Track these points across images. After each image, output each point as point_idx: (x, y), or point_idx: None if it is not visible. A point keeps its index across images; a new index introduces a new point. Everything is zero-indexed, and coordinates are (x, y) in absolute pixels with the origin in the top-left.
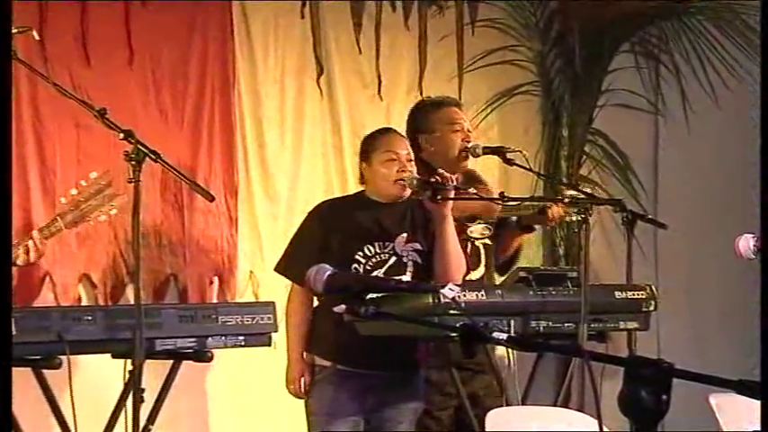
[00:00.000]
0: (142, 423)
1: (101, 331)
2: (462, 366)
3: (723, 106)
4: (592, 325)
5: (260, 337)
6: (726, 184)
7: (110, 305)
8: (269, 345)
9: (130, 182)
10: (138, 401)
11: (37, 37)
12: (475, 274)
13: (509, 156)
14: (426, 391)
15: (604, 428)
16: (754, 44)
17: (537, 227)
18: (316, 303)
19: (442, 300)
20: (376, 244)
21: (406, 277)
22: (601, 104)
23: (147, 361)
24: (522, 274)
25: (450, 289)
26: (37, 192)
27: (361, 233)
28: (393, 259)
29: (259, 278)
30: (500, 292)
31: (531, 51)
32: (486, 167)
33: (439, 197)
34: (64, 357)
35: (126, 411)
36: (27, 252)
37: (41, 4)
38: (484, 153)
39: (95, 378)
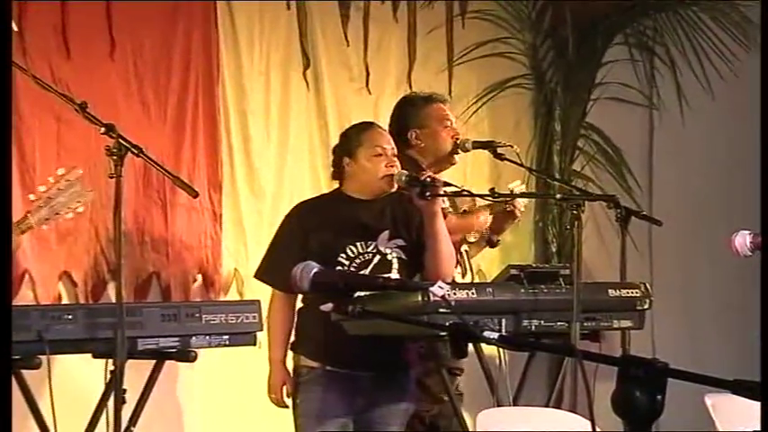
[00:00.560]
0: (124, 424)
1: (81, 330)
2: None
3: (720, 99)
4: (585, 324)
5: (245, 337)
6: (722, 179)
7: (91, 304)
8: (254, 344)
9: (112, 177)
10: (119, 402)
11: (15, 28)
12: (465, 280)
13: (500, 150)
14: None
15: (597, 430)
16: (751, 36)
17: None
18: (300, 304)
19: (432, 298)
20: (359, 244)
21: (393, 275)
22: (594, 98)
23: (129, 361)
24: (514, 271)
25: (439, 287)
26: (16, 187)
27: (343, 233)
28: (377, 258)
29: (244, 276)
30: (491, 290)
31: (522, 43)
32: (476, 162)
33: (428, 194)
34: (44, 357)
35: (107, 412)
36: None
37: None
38: (474, 148)
39: (76, 378)
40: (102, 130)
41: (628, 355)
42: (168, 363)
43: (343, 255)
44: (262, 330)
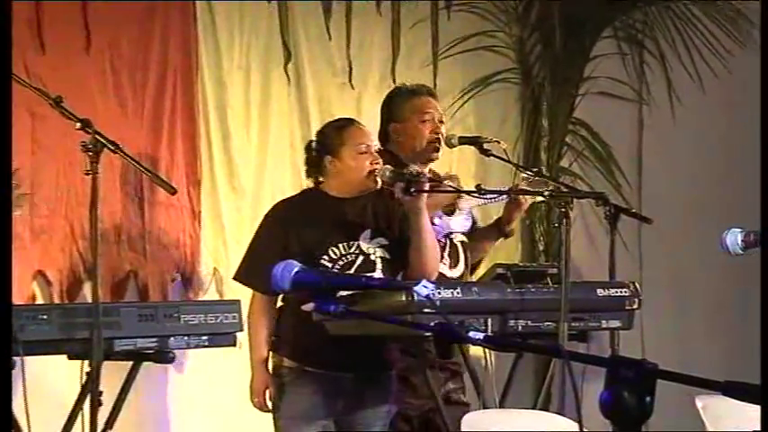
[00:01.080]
0: (100, 427)
1: (56, 331)
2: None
3: (711, 94)
4: (573, 324)
5: (224, 337)
6: (714, 176)
7: (66, 303)
8: (234, 345)
9: (88, 174)
10: (95, 405)
11: None
12: (455, 272)
13: (486, 146)
14: (400, 393)
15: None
16: (744, 30)
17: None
18: (280, 303)
19: (416, 297)
20: (341, 245)
21: (377, 275)
22: (582, 92)
23: (106, 362)
24: (500, 270)
25: (423, 286)
26: None
27: (325, 234)
28: (361, 259)
29: (223, 275)
30: (476, 289)
31: (509, 37)
32: (462, 158)
33: (413, 189)
34: (17, 358)
35: (83, 415)
36: None
37: None
38: (460, 143)
39: (51, 380)
40: (78, 125)
41: (616, 355)
42: (146, 364)
43: (326, 257)
44: (242, 331)
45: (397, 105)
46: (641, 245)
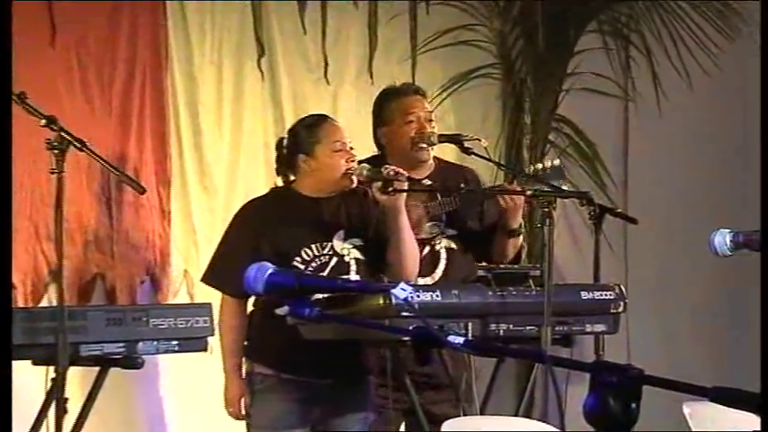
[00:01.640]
0: None
1: (20, 335)
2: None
3: (699, 91)
4: (556, 328)
5: (195, 342)
6: (702, 175)
7: (30, 307)
8: (205, 350)
9: (53, 172)
10: (60, 412)
11: None
12: (427, 281)
13: (467, 144)
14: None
15: None
16: (733, 24)
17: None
18: (251, 307)
19: (394, 301)
20: (314, 246)
21: (351, 277)
22: (566, 89)
23: (72, 368)
24: (481, 272)
25: (402, 289)
26: None
27: (298, 234)
28: (334, 260)
29: (194, 277)
30: (456, 292)
31: (490, 31)
32: (442, 156)
33: (391, 189)
34: None
35: (48, 423)
36: None
37: None
38: (439, 142)
39: (14, 387)
40: (43, 122)
41: (601, 360)
42: (113, 370)
43: (299, 258)
44: (213, 335)
45: (384, 108)
46: (627, 246)
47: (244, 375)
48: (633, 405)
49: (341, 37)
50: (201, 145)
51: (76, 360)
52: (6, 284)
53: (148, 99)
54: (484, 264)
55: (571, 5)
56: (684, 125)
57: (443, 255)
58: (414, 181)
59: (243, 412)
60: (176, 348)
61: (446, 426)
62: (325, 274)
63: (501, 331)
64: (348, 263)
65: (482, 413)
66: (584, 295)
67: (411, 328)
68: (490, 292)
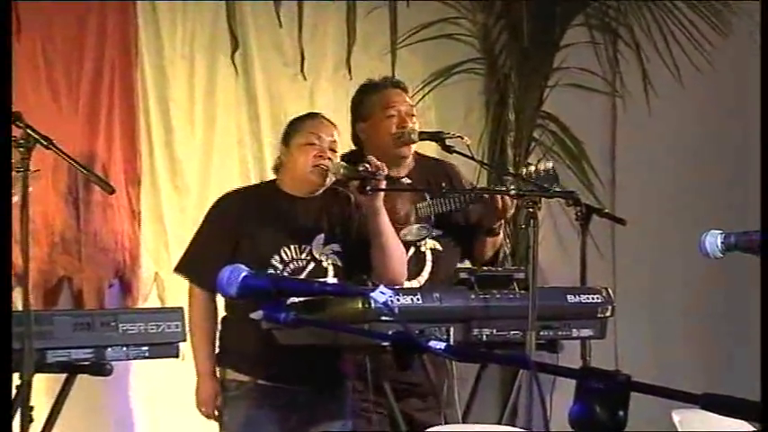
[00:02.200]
0: None
1: None
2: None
3: (690, 87)
4: (541, 332)
5: (166, 348)
6: (692, 174)
7: None
8: (176, 356)
9: (18, 171)
10: (26, 421)
11: None
12: (414, 283)
13: (448, 142)
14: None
15: None
16: (725, 19)
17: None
18: (224, 312)
19: (373, 304)
20: (293, 247)
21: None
22: (552, 84)
23: (38, 375)
24: (463, 275)
25: (381, 292)
26: None
27: (277, 233)
28: (312, 265)
29: (165, 280)
30: (438, 295)
31: (473, 24)
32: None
33: (369, 188)
34: None
35: None
36: None
37: None
38: (420, 139)
39: None
40: None
41: (588, 366)
42: (81, 377)
43: (277, 257)
44: (185, 341)
45: (363, 102)
46: (615, 248)
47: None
48: (621, 412)
49: (318, 30)
50: (173, 143)
51: (42, 367)
52: (6, 285)
53: (117, 95)
54: (465, 266)
55: None
56: (675, 123)
57: (429, 256)
58: (393, 179)
59: (216, 412)
60: (146, 354)
61: None
62: (302, 277)
63: (484, 336)
64: (326, 268)
65: (464, 421)
66: (571, 299)
67: (391, 332)
68: (473, 296)
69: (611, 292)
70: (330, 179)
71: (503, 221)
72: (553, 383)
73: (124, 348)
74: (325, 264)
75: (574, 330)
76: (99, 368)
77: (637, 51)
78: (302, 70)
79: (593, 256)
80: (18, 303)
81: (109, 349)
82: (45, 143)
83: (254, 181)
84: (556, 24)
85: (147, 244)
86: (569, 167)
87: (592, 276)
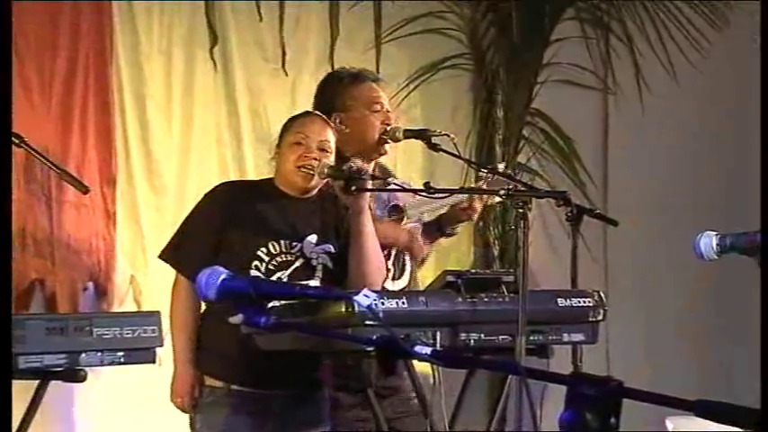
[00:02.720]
0: None
1: None
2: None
3: (683, 83)
4: (531, 337)
5: (142, 353)
6: (686, 174)
7: None
8: (153, 362)
9: None
10: None
11: None
12: (398, 284)
13: (435, 140)
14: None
15: None
16: (721, 13)
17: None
18: (203, 310)
19: (356, 308)
20: (282, 242)
21: (315, 283)
22: (542, 80)
23: None
24: (450, 278)
25: (365, 296)
26: None
27: (266, 226)
28: (300, 262)
29: (141, 283)
30: (424, 299)
31: (460, 18)
32: (407, 153)
33: (354, 188)
34: None
35: None
36: None
37: None
38: (405, 137)
39: None
40: None
41: (579, 372)
42: (54, 383)
43: (264, 249)
44: (162, 346)
45: (339, 93)
46: (607, 250)
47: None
48: (613, 420)
49: (300, 25)
50: (149, 141)
51: (14, 373)
52: (6, 286)
53: (92, 91)
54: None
55: None
56: (669, 120)
57: (408, 257)
58: (378, 179)
59: (190, 405)
60: (122, 360)
61: None
62: (287, 272)
63: (472, 341)
64: (314, 267)
65: (451, 429)
66: (561, 302)
67: (375, 337)
68: (460, 299)
69: (603, 295)
70: (317, 180)
71: (460, 224)
72: (543, 390)
73: (99, 354)
74: (314, 263)
75: (564, 335)
76: (73, 374)
77: (629, 46)
78: (283, 66)
79: (584, 259)
80: None
81: (83, 355)
82: (17, 141)
83: (233, 178)
84: (546, 19)
85: (123, 246)
86: (560, 166)
87: (583, 279)
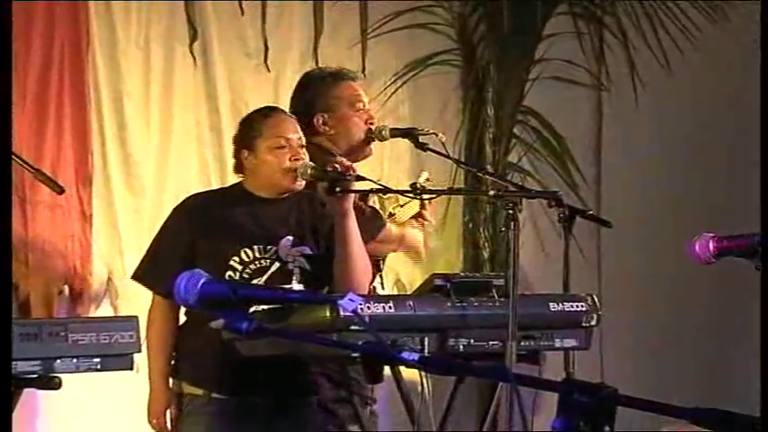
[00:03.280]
0: None
1: None
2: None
3: (680, 80)
4: (522, 343)
5: (119, 360)
6: (683, 174)
7: None
8: (131, 368)
9: None
10: None
11: None
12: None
13: (422, 139)
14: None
15: None
16: (718, 6)
17: None
18: (183, 318)
19: (341, 313)
20: (255, 247)
21: (297, 287)
22: (533, 77)
23: None
24: (439, 281)
25: (350, 300)
26: None
27: (238, 234)
28: (276, 266)
29: (119, 287)
30: (411, 303)
31: (449, 13)
32: (394, 153)
33: (338, 189)
34: None
35: None
36: None
37: None
38: (392, 136)
39: None
40: None
41: (571, 379)
42: (27, 390)
43: (236, 258)
44: (140, 352)
45: (321, 93)
46: (600, 252)
47: (171, 396)
48: (606, 428)
49: (283, 19)
50: (127, 140)
51: None
52: (6, 287)
53: (67, 88)
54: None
55: None
56: (664, 118)
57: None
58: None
59: (168, 425)
60: (98, 367)
61: None
62: (263, 279)
63: (461, 346)
64: (291, 271)
65: None
66: (553, 307)
67: (361, 343)
68: (449, 304)
69: (596, 299)
70: (301, 181)
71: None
72: (534, 398)
73: (74, 360)
74: (290, 266)
75: (557, 340)
76: (47, 381)
77: (624, 42)
78: (266, 61)
79: (577, 262)
80: None
81: (58, 361)
82: None
83: (214, 179)
84: (537, 13)
85: (100, 248)
86: (552, 165)
87: (576, 283)
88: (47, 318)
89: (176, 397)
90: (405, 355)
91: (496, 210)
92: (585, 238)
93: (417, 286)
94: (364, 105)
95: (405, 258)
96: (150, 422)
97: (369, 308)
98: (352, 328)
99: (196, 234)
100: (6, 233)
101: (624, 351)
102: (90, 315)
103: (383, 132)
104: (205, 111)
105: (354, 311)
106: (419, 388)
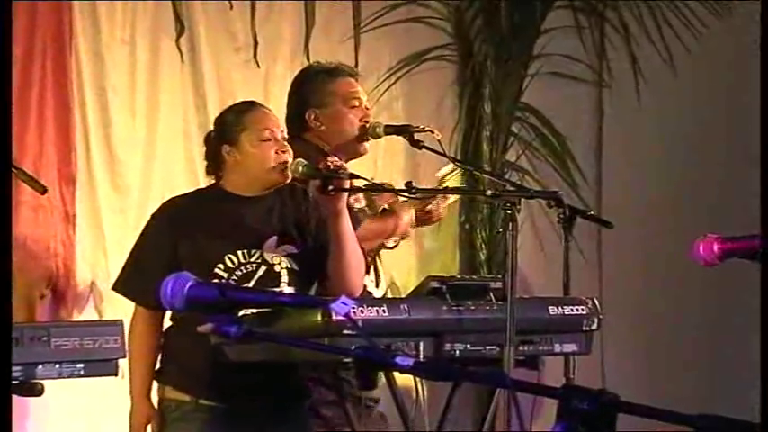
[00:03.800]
0: None
1: None
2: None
3: (682, 75)
4: (520, 348)
5: (103, 365)
6: (685, 173)
7: None
8: (115, 374)
9: None
10: None
11: None
12: (381, 290)
13: (417, 137)
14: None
15: None
16: (723, 1)
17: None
18: (168, 322)
19: (334, 316)
20: (240, 252)
21: (287, 289)
22: (532, 73)
23: None
24: (435, 284)
25: (342, 303)
26: None
27: (222, 239)
28: (263, 269)
29: (103, 290)
30: (406, 306)
31: (445, 6)
32: (389, 151)
33: (331, 188)
34: None
35: None
36: None
37: None
38: (386, 133)
39: None
40: None
41: (571, 384)
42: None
43: (221, 265)
44: (125, 357)
45: (316, 88)
46: (601, 253)
47: (156, 402)
48: None
49: (273, 13)
50: (111, 137)
51: None
52: (6, 288)
53: (50, 83)
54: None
55: None
56: (667, 116)
57: (380, 262)
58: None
59: None
60: (82, 372)
61: None
62: (251, 284)
63: (457, 351)
64: (279, 273)
65: None
66: (553, 310)
67: (354, 347)
68: (445, 307)
69: (597, 302)
70: (288, 176)
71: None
72: (533, 404)
73: (57, 366)
74: (277, 268)
75: (556, 345)
76: (29, 388)
77: (626, 36)
78: (255, 56)
79: (577, 263)
80: None
81: (40, 366)
82: None
83: (201, 178)
84: (536, 6)
85: (84, 250)
86: (551, 164)
87: (576, 284)
88: (29, 321)
89: (161, 401)
90: (399, 360)
91: (494, 210)
92: (586, 239)
93: (412, 289)
94: (360, 103)
95: (400, 260)
96: None
97: (362, 311)
98: (345, 332)
99: (177, 243)
100: (6, 233)
101: (624, 351)
102: (73, 319)
103: (377, 130)
104: (192, 106)
105: (346, 315)
106: (414, 394)
